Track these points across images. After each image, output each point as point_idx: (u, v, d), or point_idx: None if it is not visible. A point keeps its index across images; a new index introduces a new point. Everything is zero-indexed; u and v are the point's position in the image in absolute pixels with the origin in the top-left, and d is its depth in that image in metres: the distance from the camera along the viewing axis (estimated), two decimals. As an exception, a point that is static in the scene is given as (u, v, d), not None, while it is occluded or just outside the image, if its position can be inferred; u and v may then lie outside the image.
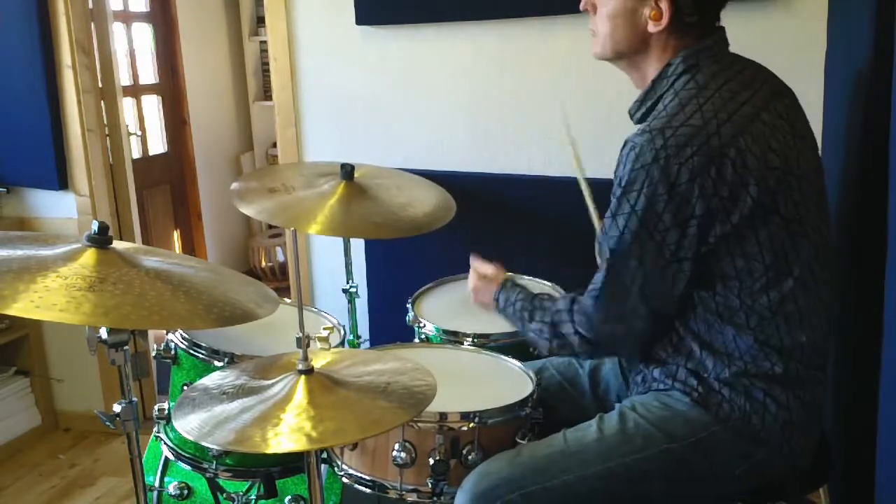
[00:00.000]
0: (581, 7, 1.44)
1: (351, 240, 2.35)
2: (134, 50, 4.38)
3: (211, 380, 1.38)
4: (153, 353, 1.79)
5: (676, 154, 1.26)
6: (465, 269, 2.18)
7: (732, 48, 1.42)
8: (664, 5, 1.33)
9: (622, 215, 1.31)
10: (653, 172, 1.27)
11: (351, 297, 2.35)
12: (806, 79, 2.12)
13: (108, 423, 1.46)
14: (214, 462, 1.69)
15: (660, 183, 1.27)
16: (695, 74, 1.35)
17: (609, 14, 1.39)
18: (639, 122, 1.43)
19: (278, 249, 4.97)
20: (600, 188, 2.34)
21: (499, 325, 1.79)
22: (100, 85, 3.06)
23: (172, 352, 1.77)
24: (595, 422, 1.42)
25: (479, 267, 1.71)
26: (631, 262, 1.32)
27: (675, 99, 1.33)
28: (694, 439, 1.35)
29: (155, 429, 1.84)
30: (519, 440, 1.47)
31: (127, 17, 4.34)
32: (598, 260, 1.47)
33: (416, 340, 1.89)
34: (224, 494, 1.76)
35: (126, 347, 1.44)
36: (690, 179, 1.26)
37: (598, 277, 1.37)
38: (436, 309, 1.97)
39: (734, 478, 1.37)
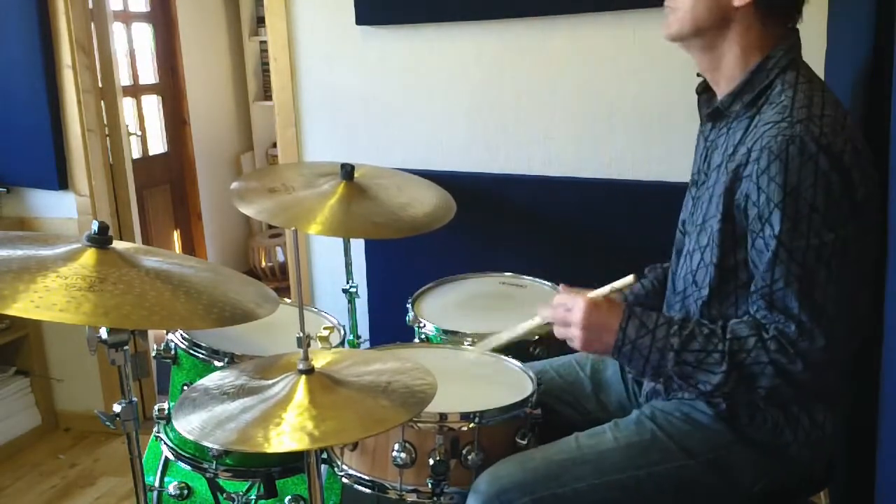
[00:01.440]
0: None
1: (351, 240, 2.35)
2: (134, 50, 4.38)
3: (211, 380, 1.38)
4: (153, 353, 1.78)
5: (834, 141, 1.20)
6: (465, 269, 2.19)
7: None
8: None
9: (803, 221, 1.20)
10: (822, 162, 1.19)
11: (351, 297, 2.35)
12: (806, 79, 2.12)
13: (108, 423, 1.46)
14: (214, 462, 1.69)
15: (831, 172, 1.19)
16: (798, 69, 1.31)
17: None
18: (735, 116, 1.36)
19: (278, 249, 4.97)
20: (601, 188, 2.37)
21: (499, 325, 1.79)
22: (100, 85, 3.06)
23: (172, 352, 1.77)
24: (609, 427, 1.41)
25: (578, 293, 1.39)
26: (822, 272, 1.21)
27: (795, 92, 1.28)
28: (713, 456, 1.33)
29: (155, 429, 1.84)
30: (519, 440, 1.47)
31: (127, 17, 4.34)
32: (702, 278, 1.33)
33: (416, 340, 1.89)
34: (224, 494, 1.76)
35: (126, 347, 1.44)
36: (851, 166, 1.20)
37: (791, 303, 1.21)
38: (436, 309, 1.97)
39: (751, 494, 1.36)
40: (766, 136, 1.24)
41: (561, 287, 1.47)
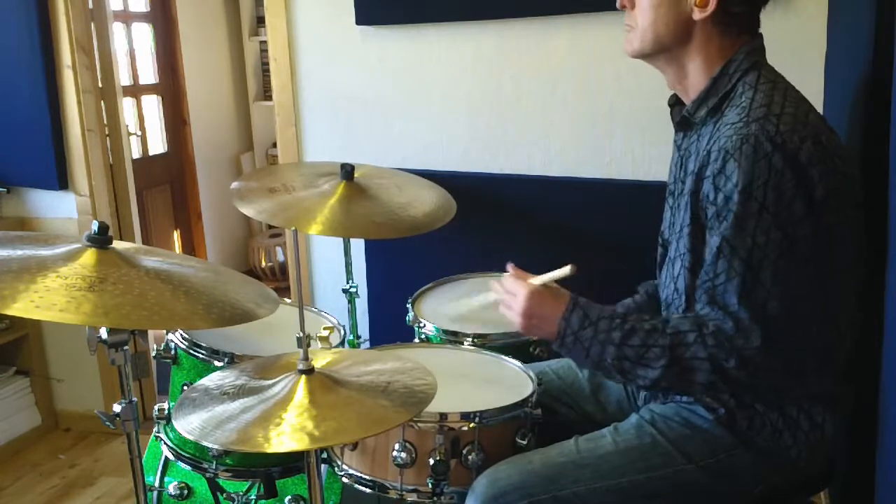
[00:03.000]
0: (618, 4, 1.39)
1: (351, 240, 2.35)
2: (134, 50, 4.38)
3: (211, 380, 1.38)
4: (153, 353, 1.79)
5: (791, 139, 1.21)
6: (464, 269, 2.19)
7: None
8: None
9: (751, 218, 1.21)
10: (775, 161, 1.19)
11: (351, 297, 2.35)
12: (806, 79, 2.11)
13: (108, 423, 1.46)
14: (214, 462, 1.69)
15: (785, 170, 1.19)
16: (760, 70, 1.32)
17: (652, 2, 1.34)
18: (701, 122, 1.37)
19: (278, 249, 4.97)
20: (600, 188, 2.37)
21: (499, 325, 1.79)
22: (100, 85, 3.06)
23: (172, 352, 1.77)
24: (609, 431, 1.40)
25: (526, 278, 1.42)
26: (766, 271, 1.21)
27: (755, 92, 1.29)
28: (713, 460, 1.33)
29: (155, 429, 1.84)
30: (519, 440, 1.47)
31: (127, 17, 4.34)
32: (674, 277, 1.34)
33: (416, 340, 1.89)
34: (224, 494, 1.76)
35: (126, 347, 1.44)
36: (809, 163, 1.20)
37: (731, 298, 1.22)
38: (436, 309, 1.97)
39: (751, 496, 1.36)
40: (724, 136, 1.25)
41: (510, 267, 1.47)
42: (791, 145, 1.21)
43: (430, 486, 1.43)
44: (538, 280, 1.42)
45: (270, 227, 5.07)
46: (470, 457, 1.43)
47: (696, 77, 1.37)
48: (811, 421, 1.32)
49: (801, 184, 1.20)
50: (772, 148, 1.20)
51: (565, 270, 1.40)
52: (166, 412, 1.73)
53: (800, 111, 1.26)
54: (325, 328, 1.66)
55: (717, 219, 1.25)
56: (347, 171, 2.08)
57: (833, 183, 1.23)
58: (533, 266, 2.17)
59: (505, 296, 1.43)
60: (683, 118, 1.41)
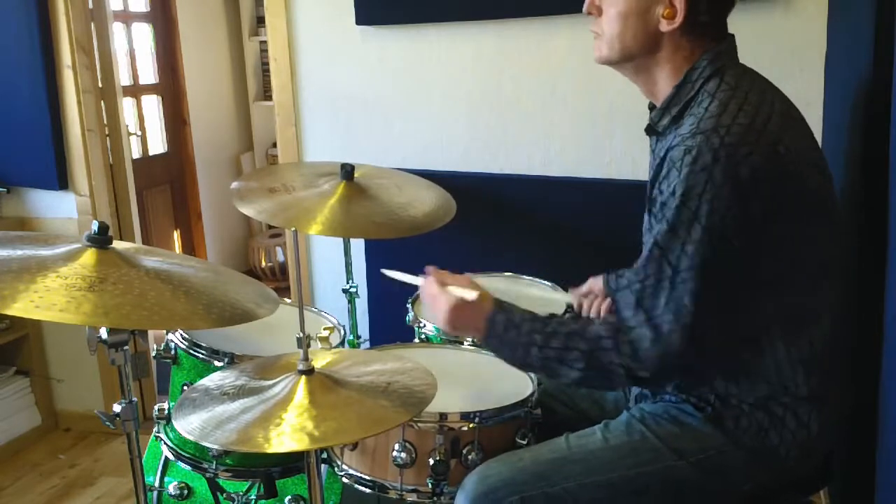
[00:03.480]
0: (585, 10, 1.39)
1: (351, 240, 2.35)
2: (134, 50, 4.38)
3: (211, 380, 1.38)
4: (153, 353, 1.79)
5: (735, 152, 1.20)
6: (465, 269, 2.19)
7: (732, 48, 1.41)
8: (679, 3, 1.29)
9: (682, 226, 1.21)
10: (715, 174, 1.19)
11: (351, 297, 2.35)
12: (806, 79, 2.12)
13: (108, 423, 1.46)
14: (214, 462, 1.69)
15: (724, 185, 1.19)
16: (723, 76, 1.31)
17: (620, 13, 1.33)
18: (665, 130, 1.37)
19: (278, 249, 4.97)
20: (601, 188, 2.37)
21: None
22: (100, 85, 3.06)
23: (172, 352, 1.77)
24: (599, 429, 1.41)
25: (450, 280, 1.46)
26: (695, 280, 1.22)
27: (712, 101, 1.28)
28: (703, 456, 1.33)
29: (155, 429, 1.84)
30: (519, 440, 1.47)
31: (127, 17, 4.34)
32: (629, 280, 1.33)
33: (416, 340, 1.89)
34: (224, 494, 1.76)
35: (126, 347, 1.44)
36: (752, 178, 1.20)
37: (657, 301, 1.24)
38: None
39: (741, 494, 1.36)
40: (673, 146, 1.25)
41: (430, 269, 1.49)
42: (734, 159, 1.20)
43: (430, 486, 1.43)
44: (455, 293, 1.40)
45: (270, 227, 5.07)
46: (470, 457, 1.43)
47: (664, 85, 1.37)
48: (797, 420, 1.32)
49: (740, 198, 1.20)
50: (712, 160, 1.20)
51: (473, 294, 1.39)
52: (166, 412, 1.73)
53: (757, 120, 1.24)
54: (325, 328, 1.66)
55: (655, 222, 1.27)
56: (347, 171, 2.08)
57: (785, 195, 1.23)
58: (533, 266, 2.18)
59: (432, 300, 1.44)
60: (649, 125, 1.41)
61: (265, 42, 3.73)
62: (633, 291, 1.27)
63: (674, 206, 1.22)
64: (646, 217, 1.49)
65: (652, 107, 1.47)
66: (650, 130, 1.42)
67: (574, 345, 1.30)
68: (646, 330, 1.25)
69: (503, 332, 1.36)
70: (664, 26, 1.31)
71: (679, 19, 1.30)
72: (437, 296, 1.43)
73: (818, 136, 1.47)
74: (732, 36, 1.38)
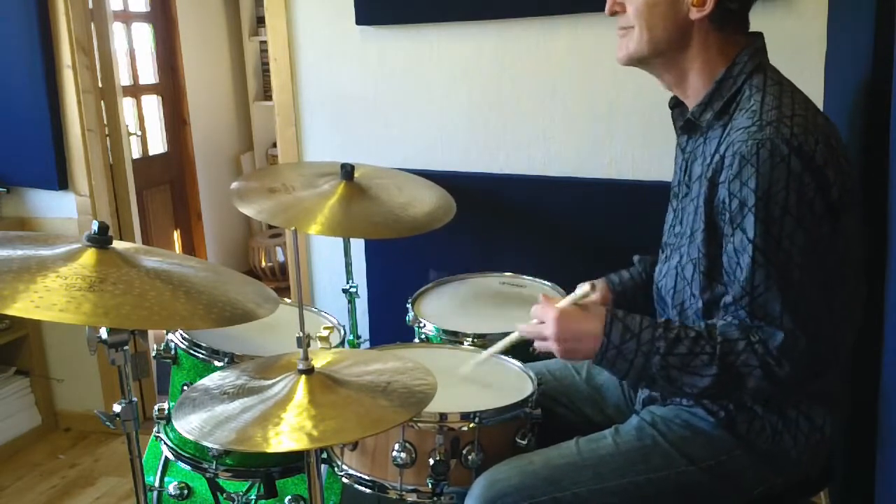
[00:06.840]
0: (608, 11, 1.37)
1: (351, 240, 2.35)
2: (134, 50, 4.38)
3: (211, 380, 1.38)
4: (153, 353, 1.78)
5: (806, 140, 1.19)
6: (465, 269, 2.19)
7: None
8: None
9: (774, 222, 1.20)
10: (794, 164, 1.18)
11: (351, 297, 2.35)
12: (806, 79, 2.11)
13: (108, 423, 1.46)
14: (214, 462, 1.69)
15: (804, 172, 1.18)
16: (766, 72, 1.31)
17: (647, 4, 1.31)
18: (708, 125, 1.35)
19: (278, 249, 4.97)
20: (601, 188, 2.37)
21: (499, 324, 1.79)
22: (100, 85, 3.06)
23: (172, 352, 1.77)
24: (610, 433, 1.40)
25: (552, 304, 1.37)
26: (798, 273, 1.20)
27: (764, 94, 1.27)
28: (714, 462, 1.33)
29: (155, 429, 1.84)
30: (519, 440, 1.47)
31: (127, 17, 4.34)
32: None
33: (416, 340, 1.89)
34: (224, 494, 1.76)
35: (126, 347, 1.44)
36: (825, 164, 1.19)
37: (771, 307, 1.21)
38: (436, 309, 1.97)
39: (751, 497, 1.36)
40: (738, 141, 1.23)
41: (541, 297, 1.44)
42: (807, 147, 1.20)
43: (429, 486, 1.43)
44: (564, 302, 1.41)
45: (270, 227, 5.07)
46: (470, 457, 1.43)
47: (697, 80, 1.36)
48: (811, 423, 1.32)
49: (819, 185, 1.19)
50: (788, 151, 1.19)
51: (585, 289, 1.40)
52: (166, 412, 1.73)
53: (809, 113, 1.25)
54: (325, 328, 1.66)
55: (732, 225, 1.24)
56: (347, 171, 2.08)
57: (847, 183, 1.23)
58: (533, 266, 2.18)
59: (534, 327, 1.39)
60: (688, 122, 1.39)
61: (265, 42, 3.73)
62: (744, 304, 1.24)
63: (759, 204, 1.19)
64: (669, 214, 1.49)
65: (675, 104, 1.46)
66: (688, 127, 1.40)
67: (701, 349, 1.24)
68: (774, 330, 1.22)
69: (620, 343, 1.28)
70: (694, 13, 1.30)
71: (709, 6, 1.29)
72: (543, 314, 1.36)
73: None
74: (762, 34, 1.37)
